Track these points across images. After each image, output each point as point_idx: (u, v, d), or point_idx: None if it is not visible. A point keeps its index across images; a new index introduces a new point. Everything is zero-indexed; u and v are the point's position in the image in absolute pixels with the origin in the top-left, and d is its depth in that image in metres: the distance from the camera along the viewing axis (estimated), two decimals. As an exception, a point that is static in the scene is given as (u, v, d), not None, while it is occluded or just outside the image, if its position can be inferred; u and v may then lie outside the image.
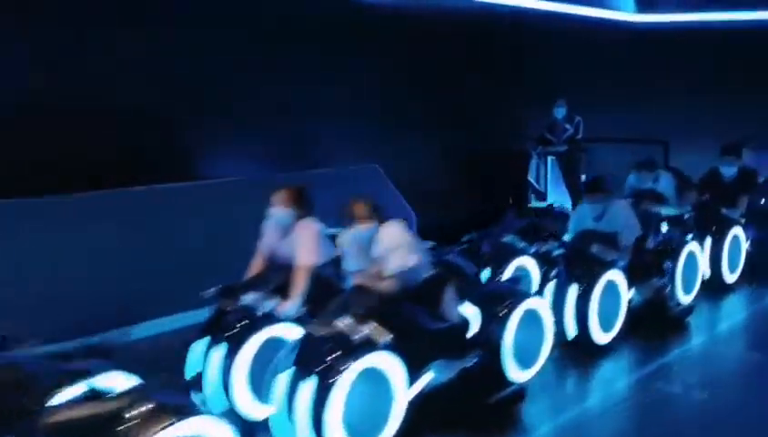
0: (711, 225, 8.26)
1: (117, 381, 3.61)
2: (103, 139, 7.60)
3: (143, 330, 6.58)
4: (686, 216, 8.01)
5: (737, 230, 8.40)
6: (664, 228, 7.69)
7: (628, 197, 8.13)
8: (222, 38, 8.73)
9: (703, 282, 7.73)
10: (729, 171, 8.86)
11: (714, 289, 8.04)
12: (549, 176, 11.47)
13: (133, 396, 3.32)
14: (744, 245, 8.52)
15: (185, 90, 8.43)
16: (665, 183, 8.43)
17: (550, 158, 11.43)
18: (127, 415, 3.20)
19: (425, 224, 9.45)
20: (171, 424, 3.22)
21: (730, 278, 8.33)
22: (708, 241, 8.08)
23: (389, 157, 10.12)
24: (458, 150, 11.56)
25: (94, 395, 3.38)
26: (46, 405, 3.29)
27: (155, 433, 3.16)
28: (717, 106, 12.47)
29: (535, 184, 11.64)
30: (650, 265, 6.94)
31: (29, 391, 3.33)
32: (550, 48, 12.44)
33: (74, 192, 6.85)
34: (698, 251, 7.59)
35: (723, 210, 8.47)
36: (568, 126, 11.10)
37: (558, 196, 11.21)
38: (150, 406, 3.24)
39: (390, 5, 9.80)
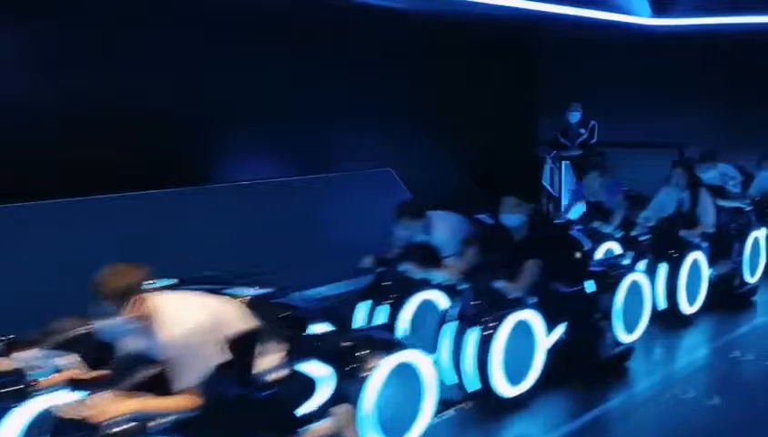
0: None
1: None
2: (124, 143, 7.67)
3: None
4: (747, 208, 8.57)
5: None
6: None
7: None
8: (241, 43, 8.80)
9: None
10: None
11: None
12: (563, 180, 11.43)
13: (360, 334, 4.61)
14: None
15: (200, 93, 8.50)
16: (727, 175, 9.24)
17: (564, 163, 11.40)
18: (362, 346, 4.31)
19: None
20: (390, 353, 4.34)
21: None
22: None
23: (403, 161, 10.14)
24: (471, 154, 11.56)
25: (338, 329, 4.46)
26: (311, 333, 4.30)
27: (381, 359, 4.24)
28: (732, 111, 12.41)
29: (549, 188, 11.61)
30: (725, 246, 7.86)
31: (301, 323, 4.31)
32: (564, 52, 12.42)
33: (96, 194, 6.93)
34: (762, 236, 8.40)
35: None
36: (582, 130, 11.08)
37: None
38: (375, 340, 4.44)
39: (406, 10, 9.83)
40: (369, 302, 5.87)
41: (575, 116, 11.02)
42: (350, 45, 9.85)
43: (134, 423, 3.24)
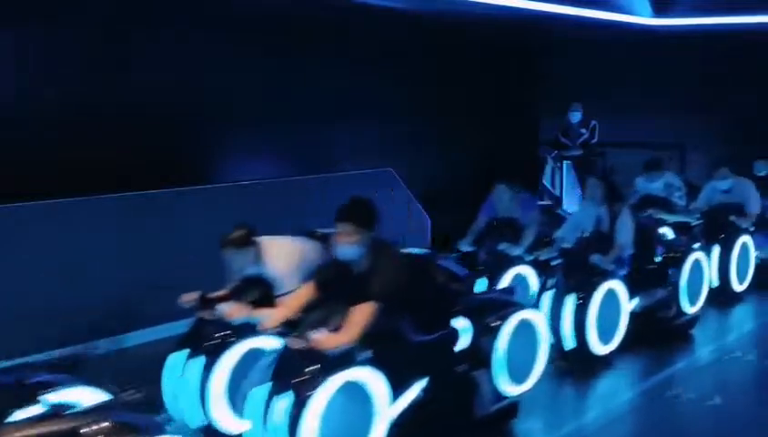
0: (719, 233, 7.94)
1: (83, 397, 3.45)
2: (126, 142, 7.66)
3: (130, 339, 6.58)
4: (693, 223, 7.87)
5: (746, 239, 8.08)
6: (671, 235, 7.59)
7: (635, 202, 7.95)
8: (240, 43, 8.79)
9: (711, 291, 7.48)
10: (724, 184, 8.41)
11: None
12: (564, 180, 11.43)
13: (94, 414, 3.16)
14: (753, 254, 8.19)
15: (199, 93, 8.49)
16: (673, 186, 8.37)
17: (565, 163, 11.39)
18: (86, 433, 3.04)
19: (438, 228, 9.46)
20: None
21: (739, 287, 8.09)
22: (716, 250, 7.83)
23: (403, 161, 10.14)
24: (471, 154, 11.55)
25: (55, 411, 3.18)
26: (4, 421, 3.15)
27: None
28: (732, 112, 12.39)
29: (550, 188, 11.61)
30: (653, 274, 6.74)
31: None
32: (565, 52, 12.41)
33: (96, 194, 6.91)
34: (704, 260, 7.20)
35: (733, 218, 8.06)
36: (583, 130, 11.07)
37: (573, 200, 11.18)
38: (111, 424, 3.10)
39: (406, 9, 9.82)
40: (186, 352, 4.81)
41: (576, 116, 11.02)
42: (350, 45, 9.84)
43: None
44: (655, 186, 8.21)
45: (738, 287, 7.99)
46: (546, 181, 11.70)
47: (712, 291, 7.45)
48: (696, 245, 7.40)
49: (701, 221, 7.98)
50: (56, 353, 4.23)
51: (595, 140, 11.11)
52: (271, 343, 4.68)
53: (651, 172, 8.26)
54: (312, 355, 4.11)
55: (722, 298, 7.78)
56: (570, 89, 11.92)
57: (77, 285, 6.45)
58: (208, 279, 5.08)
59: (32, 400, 3.30)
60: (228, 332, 4.77)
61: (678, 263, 6.82)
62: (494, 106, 11.89)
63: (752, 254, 8.11)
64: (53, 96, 7.27)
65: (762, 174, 9.49)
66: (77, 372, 3.78)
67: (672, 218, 7.88)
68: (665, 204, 8.13)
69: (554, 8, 10.29)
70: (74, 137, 7.26)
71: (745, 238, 8.02)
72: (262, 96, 9.08)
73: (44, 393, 3.34)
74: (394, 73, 10.54)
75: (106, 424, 3.08)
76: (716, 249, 7.81)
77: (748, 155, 10.25)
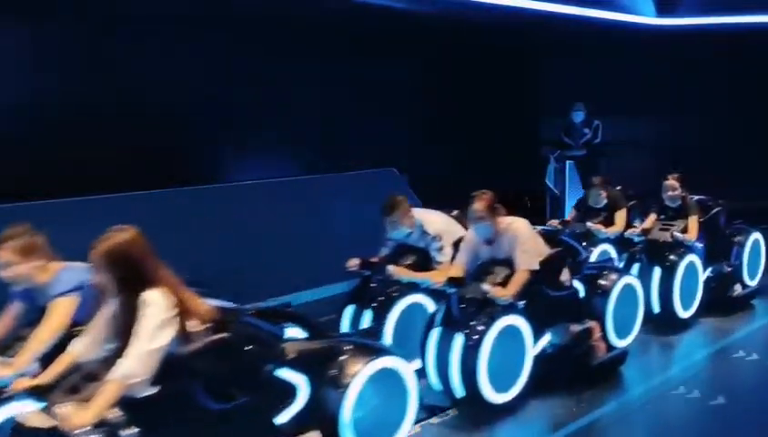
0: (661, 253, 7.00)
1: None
2: (130, 142, 7.63)
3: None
4: (636, 240, 7.20)
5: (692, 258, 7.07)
6: (613, 253, 7.36)
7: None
8: (242, 41, 8.75)
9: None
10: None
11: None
12: (567, 180, 11.40)
13: (342, 338, 4.41)
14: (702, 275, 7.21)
15: (201, 93, 8.45)
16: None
17: (568, 163, 11.37)
18: (342, 351, 4.16)
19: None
20: (372, 359, 4.18)
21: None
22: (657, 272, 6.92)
23: (406, 161, 10.11)
24: (474, 153, 11.52)
25: (313, 335, 4.30)
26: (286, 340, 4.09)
27: (363, 365, 4.11)
28: (735, 112, 12.39)
29: (553, 188, 11.58)
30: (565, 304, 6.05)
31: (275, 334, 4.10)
32: (568, 52, 12.38)
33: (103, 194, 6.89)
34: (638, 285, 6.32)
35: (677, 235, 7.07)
36: (586, 129, 11.06)
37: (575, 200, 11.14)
38: (355, 346, 4.23)
39: (408, 9, 9.79)
40: (354, 306, 5.70)
41: (579, 116, 11.01)
42: (352, 44, 9.80)
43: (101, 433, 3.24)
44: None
45: (683, 313, 7.02)
46: (548, 181, 11.67)
47: (653, 319, 6.80)
48: (632, 266, 6.94)
49: (642, 238, 7.16)
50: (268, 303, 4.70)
51: (598, 140, 11.09)
52: (426, 300, 5.71)
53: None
54: (481, 304, 5.08)
55: (664, 326, 6.90)
56: (573, 89, 11.89)
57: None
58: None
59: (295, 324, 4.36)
60: (393, 288, 5.67)
61: (604, 291, 5.95)
62: (497, 106, 11.85)
63: (701, 275, 7.18)
64: (53, 95, 7.23)
65: None
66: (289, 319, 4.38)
67: (610, 234, 7.43)
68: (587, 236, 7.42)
69: (557, 8, 10.27)
70: (73, 138, 7.21)
71: (692, 258, 7.04)
72: (263, 95, 9.05)
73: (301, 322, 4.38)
74: (396, 72, 10.50)
75: (353, 345, 4.25)
76: (657, 271, 6.87)
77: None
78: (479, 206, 5.30)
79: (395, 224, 5.83)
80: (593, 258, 7.23)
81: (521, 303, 5.22)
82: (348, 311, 5.71)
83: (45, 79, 7.29)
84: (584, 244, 7.20)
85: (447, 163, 11.01)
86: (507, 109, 12.07)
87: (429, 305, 5.71)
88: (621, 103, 12.18)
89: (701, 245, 7.27)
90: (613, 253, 7.52)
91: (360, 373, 4.10)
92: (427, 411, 5.03)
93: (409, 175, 9.85)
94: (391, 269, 5.70)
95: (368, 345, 4.35)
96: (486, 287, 5.12)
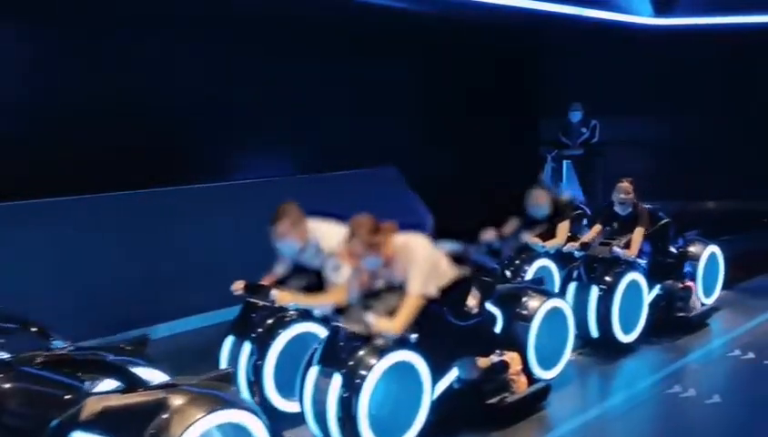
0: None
1: (152, 376, 3.64)
2: (130, 141, 7.64)
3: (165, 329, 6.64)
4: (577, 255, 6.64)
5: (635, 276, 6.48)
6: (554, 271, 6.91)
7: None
8: (240, 41, 8.77)
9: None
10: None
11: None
12: (564, 179, 11.44)
13: (169, 388, 3.37)
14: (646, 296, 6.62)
15: (200, 93, 8.47)
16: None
17: (565, 162, 11.41)
18: (165, 406, 3.25)
19: (440, 225, 9.44)
20: (207, 414, 3.29)
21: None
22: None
23: (406, 159, 10.12)
24: (474, 153, 11.54)
25: (129, 387, 3.40)
26: (88, 395, 3.37)
27: (191, 423, 3.23)
28: (733, 114, 12.43)
29: (550, 188, 11.61)
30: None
31: (71, 387, 3.39)
32: (566, 51, 12.42)
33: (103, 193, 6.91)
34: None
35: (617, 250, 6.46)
36: (584, 129, 11.09)
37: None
38: (187, 397, 3.31)
39: (407, 9, 9.81)
40: (233, 337, 5.04)
41: (576, 116, 11.05)
42: (352, 43, 9.83)
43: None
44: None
45: (624, 337, 6.43)
46: (546, 181, 11.69)
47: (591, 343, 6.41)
48: (568, 285, 6.41)
49: (582, 253, 6.59)
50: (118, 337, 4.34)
51: (596, 140, 11.12)
52: (319, 328, 4.97)
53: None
54: (365, 338, 4.42)
55: (603, 353, 6.38)
56: (572, 89, 11.93)
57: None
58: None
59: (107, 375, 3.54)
60: (279, 316, 4.97)
61: (525, 317, 5.44)
62: (497, 106, 11.88)
63: (646, 295, 6.61)
64: (53, 95, 7.23)
65: None
66: (141, 355, 3.86)
67: (549, 248, 6.86)
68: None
69: (556, 8, 10.31)
70: (69, 137, 7.21)
71: (634, 276, 6.46)
72: (262, 94, 9.06)
73: (117, 372, 3.53)
74: (396, 72, 10.53)
75: (183, 396, 3.30)
76: (595, 291, 6.31)
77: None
78: (356, 242, 4.56)
79: (282, 237, 4.97)
80: (529, 275, 6.65)
81: (413, 336, 4.51)
82: (228, 343, 5.03)
83: (46, 79, 7.30)
84: (521, 258, 6.75)
85: (446, 163, 11.03)
86: (506, 109, 12.10)
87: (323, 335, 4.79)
88: (620, 103, 12.23)
89: (644, 261, 6.65)
90: (554, 270, 6.93)
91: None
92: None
93: (409, 174, 9.87)
94: (274, 293, 4.89)
95: (209, 395, 3.43)
96: (370, 317, 4.41)
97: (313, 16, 9.15)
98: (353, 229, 4.60)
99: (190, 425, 3.25)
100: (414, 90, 10.87)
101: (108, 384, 3.52)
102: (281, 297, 4.88)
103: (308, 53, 9.44)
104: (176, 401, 3.28)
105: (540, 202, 7.07)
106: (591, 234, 6.83)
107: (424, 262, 4.62)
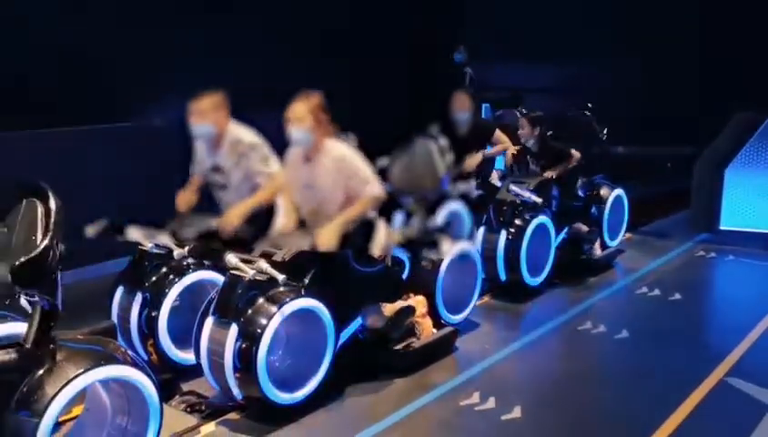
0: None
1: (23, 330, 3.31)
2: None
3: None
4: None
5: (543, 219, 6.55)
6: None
7: None
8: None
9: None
10: None
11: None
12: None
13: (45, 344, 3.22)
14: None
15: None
16: None
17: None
18: (40, 362, 3.17)
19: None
20: (86, 371, 3.21)
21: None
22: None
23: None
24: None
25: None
26: None
27: (68, 380, 3.15)
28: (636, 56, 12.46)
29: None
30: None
31: None
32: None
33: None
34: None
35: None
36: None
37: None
38: (64, 354, 3.23)
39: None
40: (122, 289, 4.78)
41: (459, 58, 10.89)
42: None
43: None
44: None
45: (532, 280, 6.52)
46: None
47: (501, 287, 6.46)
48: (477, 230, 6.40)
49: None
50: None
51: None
52: (216, 276, 4.70)
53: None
54: (257, 285, 4.22)
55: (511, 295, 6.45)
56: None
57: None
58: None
59: None
60: (173, 264, 4.74)
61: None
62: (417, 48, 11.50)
63: (554, 238, 6.69)
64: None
65: None
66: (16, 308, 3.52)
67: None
68: None
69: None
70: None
71: (541, 219, 6.51)
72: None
73: None
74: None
75: (61, 353, 3.21)
76: (503, 236, 6.35)
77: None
78: (300, 108, 4.47)
79: (200, 117, 4.64)
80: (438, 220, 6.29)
81: (312, 283, 4.36)
82: (118, 294, 4.76)
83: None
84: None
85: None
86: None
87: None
88: (531, 48, 12.08)
89: (554, 203, 6.71)
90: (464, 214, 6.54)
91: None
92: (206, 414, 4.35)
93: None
94: (224, 221, 4.63)
95: (88, 350, 3.32)
96: (263, 265, 4.24)
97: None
98: (304, 97, 4.48)
99: (67, 383, 3.14)
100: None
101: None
102: (229, 220, 4.61)
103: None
104: (53, 357, 3.18)
105: (462, 107, 6.58)
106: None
107: (366, 166, 4.56)
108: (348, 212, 4.51)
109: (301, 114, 4.45)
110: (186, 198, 4.92)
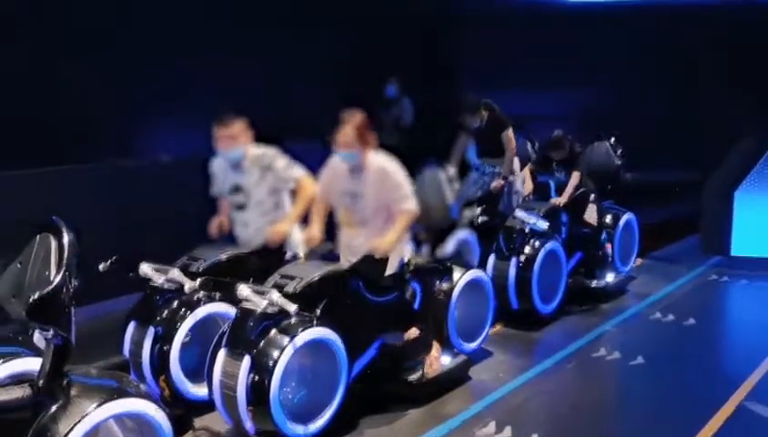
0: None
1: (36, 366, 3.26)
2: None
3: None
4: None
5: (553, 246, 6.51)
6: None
7: None
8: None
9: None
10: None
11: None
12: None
13: (59, 379, 3.18)
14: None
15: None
16: None
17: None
18: (54, 398, 3.12)
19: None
20: (99, 406, 3.15)
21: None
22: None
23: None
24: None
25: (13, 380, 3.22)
26: None
27: (83, 416, 3.09)
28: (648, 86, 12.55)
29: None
30: None
31: None
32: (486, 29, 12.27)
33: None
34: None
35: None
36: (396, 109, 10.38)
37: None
38: (77, 389, 3.18)
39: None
40: (135, 324, 4.75)
41: (391, 91, 10.31)
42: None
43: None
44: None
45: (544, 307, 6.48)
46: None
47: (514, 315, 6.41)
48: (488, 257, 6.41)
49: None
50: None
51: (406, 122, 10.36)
52: (227, 309, 4.67)
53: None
54: (269, 317, 4.20)
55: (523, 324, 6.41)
56: (491, 67, 11.80)
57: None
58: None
59: None
60: (184, 298, 4.70)
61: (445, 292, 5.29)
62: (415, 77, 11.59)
63: (565, 264, 6.67)
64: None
65: None
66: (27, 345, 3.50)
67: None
68: None
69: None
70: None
71: (552, 246, 6.45)
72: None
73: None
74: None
75: (75, 388, 3.17)
76: (514, 263, 6.31)
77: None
78: (348, 131, 4.58)
79: (230, 141, 4.85)
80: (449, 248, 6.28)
81: (319, 311, 4.35)
82: (130, 329, 4.72)
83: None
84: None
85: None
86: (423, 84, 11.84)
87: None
88: (531, 77, 12.17)
89: (563, 230, 6.73)
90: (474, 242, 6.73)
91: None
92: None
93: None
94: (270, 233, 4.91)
95: (101, 386, 3.29)
96: (275, 296, 4.17)
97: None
98: (346, 119, 4.59)
99: (81, 419, 3.09)
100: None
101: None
102: (278, 231, 4.87)
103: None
104: (66, 393, 3.13)
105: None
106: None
107: (407, 182, 4.67)
108: (396, 226, 4.64)
109: (350, 137, 4.57)
110: (218, 223, 5.16)
